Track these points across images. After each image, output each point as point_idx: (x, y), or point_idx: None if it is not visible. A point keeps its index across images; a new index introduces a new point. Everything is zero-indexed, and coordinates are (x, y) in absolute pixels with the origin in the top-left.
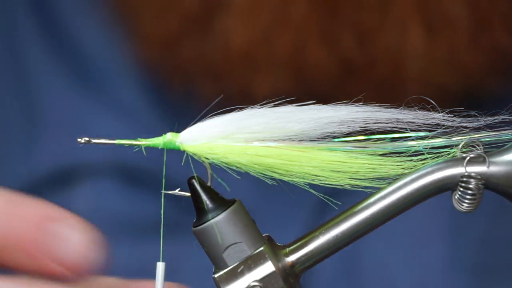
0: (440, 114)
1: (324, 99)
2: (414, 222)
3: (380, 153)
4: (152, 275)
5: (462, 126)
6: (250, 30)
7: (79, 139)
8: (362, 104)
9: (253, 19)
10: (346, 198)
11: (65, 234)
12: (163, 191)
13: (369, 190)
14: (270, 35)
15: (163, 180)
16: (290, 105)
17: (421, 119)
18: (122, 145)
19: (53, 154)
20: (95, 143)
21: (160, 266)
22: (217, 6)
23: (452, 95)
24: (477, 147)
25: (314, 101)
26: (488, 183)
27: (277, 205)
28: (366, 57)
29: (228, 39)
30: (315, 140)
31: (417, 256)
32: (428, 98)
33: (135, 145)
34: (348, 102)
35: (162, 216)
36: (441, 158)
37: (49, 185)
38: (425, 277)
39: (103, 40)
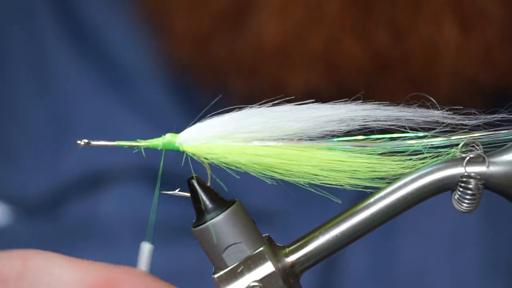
0: (439, 112)
1: (356, 95)
2: (449, 223)
3: (380, 152)
4: (182, 279)
5: (461, 124)
6: (283, 26)
7: (78, 141)
8: (361, 102)
9: (286, 14)
10: None
11: None
12: (163, 191)
13: (369, 190)
14: (303, 31)
15: (159, 181)
16: (289, 104)
17: (420, 117)
18: (122, 146)
19: (80, 159)
20: (94, 145)
21: (146, 247)
22: (250, 2)
23: (484, 91)
24: (477, 147)
25: (313, 100)
26: (487, 183)
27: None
28: (400, 52)
29: (261, 35)
30: (314, 139)
31: (452, 258)
32: (428, 96)
33: (135, 146)
34: (379, 99)
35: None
36: (440, 158)
37: (77, 189)
38: (460, 279)
39: (131, 41)
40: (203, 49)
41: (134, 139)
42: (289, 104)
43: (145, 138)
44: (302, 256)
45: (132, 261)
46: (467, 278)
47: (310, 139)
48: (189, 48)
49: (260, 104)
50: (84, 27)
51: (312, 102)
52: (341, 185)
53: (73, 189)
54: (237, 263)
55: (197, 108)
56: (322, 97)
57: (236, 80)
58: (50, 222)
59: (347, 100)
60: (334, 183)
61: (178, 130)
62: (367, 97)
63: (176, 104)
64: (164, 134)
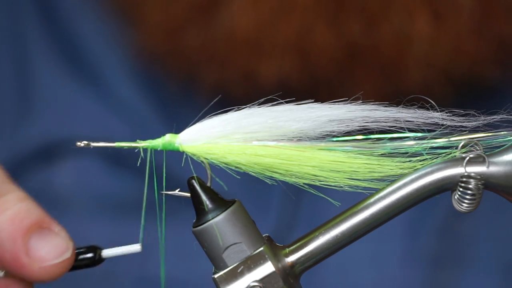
0: (439, 114)
1: (328, 84)
2: None
3: (380, 153)
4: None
5: (461, 125)
6: (255, 15)
7: (78, 143)
8: (361, 102)
9: (258, 3)
10: None
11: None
12: (163, 191)
13: (369, 191)
14: (276, 20)
15: (164, 180)
16: (289, 104)
17: (420, 118)
18: (122, 147)
19: (40, 131)
20: (94, 146)
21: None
22: None
23: (455, 82)
24: (477, 147)
25: (313, 100)
26: (487, 183)
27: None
28: (371, 41)
29: (233, 24)
30: (314, 139)
31: (376, 249)
32: (427, 98)
33: (134, 147)
34: (350, 95)
35: (163, 216)
36: (440, 158)
37: (35, 160)
38: (383, 270)
39: (102, 29)
40: (175, 39)
41: (97, 126)
42: (288, 104)
43: (110, 127)
44: (302, 256)
45: (82, 232)
46: (388, 269)
47: (309, 139)
48: (161, 38)
49: (259, 104)
50: (59, 14)
51: (312, 102)
52: (341, 186)
53: (31, 160)
54: (237, 263)
55: (165, 100)
56: (294, 86)
57: (207, 70)
58: None
59: (346, 100)
60: (333, 184)
61: (177, 130)
62: (337, 86)
63: (145, 95)
64: (133, 126)
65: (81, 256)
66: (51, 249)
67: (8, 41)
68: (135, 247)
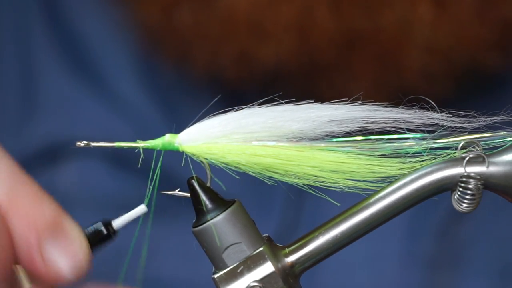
0: (439, 114)
1: (327, 68)
2: None
3: (379, 153)
4: (133, 258)
5: (461, 126)
6: None
7: (78, 143)
8: (361, 102)
9: None
10: None
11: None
12: (162, 192)
13: (369, 192)
14: (276, 0)
15: (157, 179)
16: (289, 104)
17: (420, 119)
18: (121, 147)
19: (44, 131)
20: (94, 146)
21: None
22: None
23: (456, 71)
24: (477, 148)
25: (313, 100)
26: (487, 183)
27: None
28: (372, 28)
29: (232, 3)
30: (313, 139)
31: (374, 251)
32: (427, 98)
33: (134, 147)
34: (348, 82)
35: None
36: (440, 158)
37: (38, 161)
38: (382, 272)
39: (105, 27)
40: (170, 15)
41: (101, 126)
42: (288, 104)
43: (114, 127)
44: (302, 256)
45: None
46: (387, 270)
47: (309, 139)
48: (157, 14)
49: (259, 104)
50: (60, 17)
51: (312, 102)
52: (341, 188)
53: (34, 160)
54: (237, 263)
55: (168, 100)
56: (291, 69)
57: (201, 49)
58: None
59: (346, 100)
60: (333, 184)
61: (178, 130)
62: (335, 71)
63: (148, 96)
64: (136, 127)
65: (95, 240)
66: (66, 259)
67: (12, 42)
68: (141, 209)
